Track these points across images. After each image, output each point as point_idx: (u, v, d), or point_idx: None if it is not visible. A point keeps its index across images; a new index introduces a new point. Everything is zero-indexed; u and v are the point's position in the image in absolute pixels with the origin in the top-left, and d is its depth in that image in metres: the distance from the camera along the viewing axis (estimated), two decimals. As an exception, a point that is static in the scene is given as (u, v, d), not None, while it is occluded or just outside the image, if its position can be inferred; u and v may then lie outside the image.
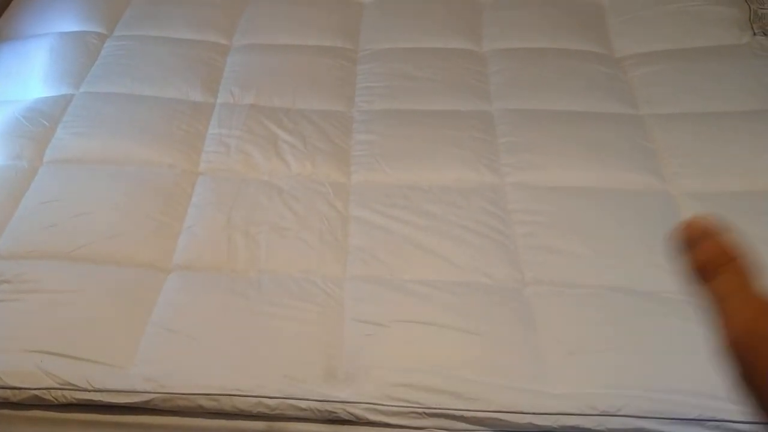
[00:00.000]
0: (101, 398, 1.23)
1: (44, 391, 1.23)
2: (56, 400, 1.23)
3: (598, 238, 1.46)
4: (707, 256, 0.34)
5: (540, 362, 1.26)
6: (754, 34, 1.92)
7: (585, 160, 1.63)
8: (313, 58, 2.00)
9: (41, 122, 1.77)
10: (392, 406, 1.22)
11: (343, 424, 1.23)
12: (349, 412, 1.21)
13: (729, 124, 1.69)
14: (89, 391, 1.23)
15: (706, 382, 1.20)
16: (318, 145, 1.72)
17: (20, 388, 1.23)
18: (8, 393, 1.23)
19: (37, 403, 1.24)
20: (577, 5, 2.14)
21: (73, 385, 1.23)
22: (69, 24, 2.12)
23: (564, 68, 1.90)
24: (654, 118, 1.74)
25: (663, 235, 1.42)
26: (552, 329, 1.31)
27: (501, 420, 1.20)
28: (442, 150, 1.69)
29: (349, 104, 1.86)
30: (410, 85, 1.90)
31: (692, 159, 1.62)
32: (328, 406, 1.22)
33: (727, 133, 1.67)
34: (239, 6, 2.22)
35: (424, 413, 1.21)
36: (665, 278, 1.37)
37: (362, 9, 2.20)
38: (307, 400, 1.22)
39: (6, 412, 1.25)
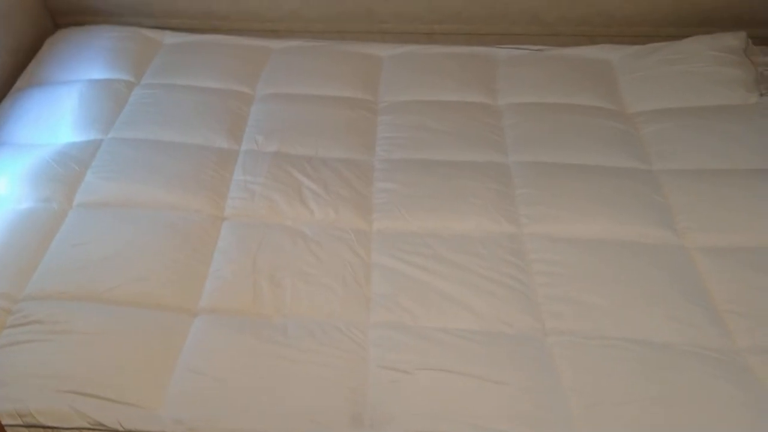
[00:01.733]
0: (132, 439, 1.25)
1: (76, 431, 1.25)
2: (87, 440, 1.25)
3: (615, 289, 1.50)
4: None
5: (563, 412, 1.29)
6: (761, 94, 2.00)
7: (600, 213, 1.68)
8: (334, 108, 2.07)
9: (71, 166, 1.82)
10: (418, 452, 1.24)
11: (369, 469, 1.25)
12: (375, 458, 1.23)
13: (738, 181, 1.74)
14: (120, 431, 1.25)
15: (726, 433, 1.23)
16: (340, 192, 1.77)
17: (53, 428, 1.25)
18: (40, 432, 1.26)
19: (68, 442, 1.26)
20: (587, 63, 2.22)
21: (105, 425, 1.25)
22: (98, 72, 2.19)
23: (577, 123, 1.96)
24: (666, 174, 1.79)
25: (679, 288, 1.48)
26: (573, 380, 1.34)
27: (525, 468, 1.22)
28: (462, 199, 1.74)
29: (370, 153, 1.92)
30: (428, 137, 1.96)
31: (704, 214, 1.67)
32: (355, 452, 1.24)
33: (737, 190, 1.72)
34: (262, 58, 2.30)
35: (449, 460, 1.23)
36: (683, 331, 1.42)
37: (381, 62, 2.28)
38: (334, 444, 1.24)
39: (37, 451, 1.27)
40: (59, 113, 2.02)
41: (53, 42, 2.37)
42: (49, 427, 1.25)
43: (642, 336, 1.41)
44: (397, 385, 1.34)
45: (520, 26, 2.45)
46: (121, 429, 1.25)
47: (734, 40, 2.16)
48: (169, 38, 2.39)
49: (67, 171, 1.81)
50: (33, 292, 1.50)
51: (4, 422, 1.23)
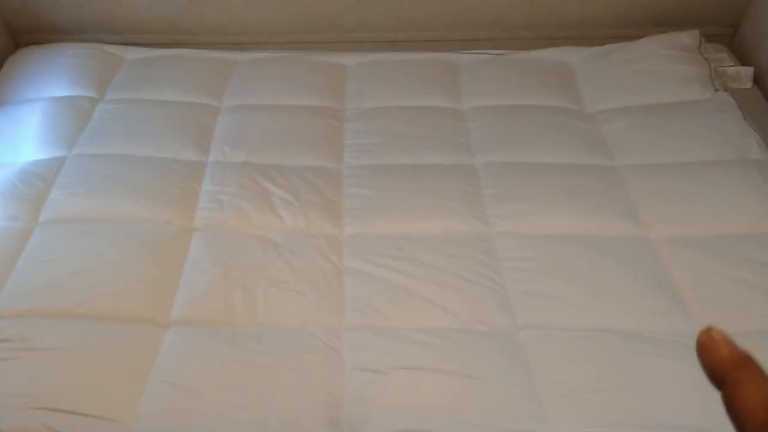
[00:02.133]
0: (107, 454, 1.23)
1: (49, 448, 1.23)
2: (61, 457, 1.23)
3: (584, 282, 1.53)
4: (718, 360, 0.36)
5: (537, 404, 1.31)
6: (716, 90, 2.06)
7: (567, 209, 1.71)
8: (301, 117, 2.08)
9: (36, 184, 1.80)
10: (396, 451, 1.24)
11: (348, 471, 1.25)
12: (354, 459, 1.24)
13: (697, 173, 1.80)
14: (95, 446, 1.23)
15: (699, 416, 1.26)
16: (311, 199, 1.78)
17: (25, 446, 1.23)
18: (12, 451, 1.23)
19: (40, 461, 1.24)
20: (548, 65, 2.27)
21: (79, 441, 1.23)
22: (61, 89, 2.17)
23: (540, 123, 2.00)
24: (628, 169, 1.84)
25: (645, 279, 1.51)
26: (546, 371, 1.36)
27: (502, 461, 1.23)
28: (431, 202, 1.76)
29: (339, 160, 1.93)
30: (396, 142, 1.98)
31: (666, 206, 1.72)
32: (334, 455, 1.24)
33: (697, 182, 1.77)
34: (227, 70, 2.30)
35: (428, 458, 1.24)
36: (649, 319, 1.45)
37: (346, 71, 2.30)
38: (313, 448, 1.24)
39: (9, 471, 1.24)
40: (22, 132, 2.00)
41: (14, 61, 2.34)
42: (21, 446, 1.23)
43: (611, 326, 1.44)
44: (373, 386, 1.34)
45: (482, 32, 2.49)
46: (95, 444, 1.24)
47: (688, 38, 2.23)
48: (132, 53, 2.38)
49: (31, 189, 1.79)
50: (0, 310, 1.48)
51: (-26, 443, 1.21)
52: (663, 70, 2.13)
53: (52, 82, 2.21)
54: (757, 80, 2.15)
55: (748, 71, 2.14)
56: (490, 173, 1.85)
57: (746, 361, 0.36)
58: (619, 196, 1.75)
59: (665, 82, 2.09)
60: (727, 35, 2.43)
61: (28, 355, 1.37)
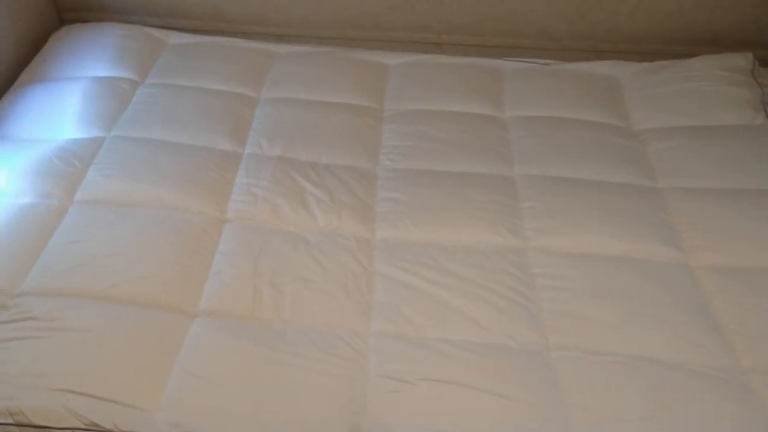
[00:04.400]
0: (126, 441, 1.22)
1: (69, 431, 1.22)
2: (80, 441, 1.23)
3: (620, 306, 1.49)
4: None
5: (565, 428, 1.27)
6: (767, 115, 2.00)
7: (606, 229, 1.67)
8: (339, 115, 2.05)
9: (73, 163, 1.80)
10: (417, 465, 1.22)
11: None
12: (373, 470, 1.21)
13: (744, 201, 1.74)
14: (115, 433, 1.22)
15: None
16: (344, 199, 1.75)
17: (45, 427, 1.22)
18: (32, 431, 1.23)
19: (60, 442, 1.23)
20: (594, 78, 2.22)
21: (99, 426, 1.23)
22: (103, 69, 2.18)
23: (584, 138, 1.96)
24: (672, 192, 1.78)
25: (683, 307, 1.46)
26: (578, 396, 1.32)
27: (526, 484, 1.20)
28: (466, 211, 1.72)
29: (375, 161, 1.91)
30: (434, 146, 1.94)
31: (709, 233, 1.66)
32: (354, 463, 1.21)
33: (743, 210, 1.71)
34: (267, 61, 2.29)
35: (449, 474, 1.21)
36: (688, 350, 1.41)
37: (388, 71, 2.27)
38: (332, 454, 1.22)
39: (27, 451, 1.24)
40: (62, 109, 2.01)
41: (58, 38, 2.35)
42: (41, 427, 1.22)
43: (646, 353, 1.39)
44: (398, 396, 1.32)
45: (528, 39, 2.45)
46: (116, 430, 1.22)
47: (741, 60, 2.17)
48: (175, 38, 2.38)
49: (68, 167, 1.79)
50: (30, 288, 1.48)
51: (-5, 420, 1.21)
52: (714, 91, 2.07)
53: (94, 61, 2.22)
54: (810, 108, 2.08)
55: (802, 98, 2.07)
56: (528, 186, 1.81)
57: None
58: (662, 219, 1.70)
59: (715, 104, 2.04)
60: (782, 60, 2.36)
61: (53, 335, 1.37)
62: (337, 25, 2.49)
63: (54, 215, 1.66)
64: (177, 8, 2.48)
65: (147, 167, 1.81)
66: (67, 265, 1.53)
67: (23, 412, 1.23)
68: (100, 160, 1.82)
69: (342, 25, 2.49)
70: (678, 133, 1.96)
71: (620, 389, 1.32)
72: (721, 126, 1.97)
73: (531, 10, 2.38)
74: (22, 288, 1.48)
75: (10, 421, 1.23)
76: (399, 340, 1.43)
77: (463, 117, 2.06)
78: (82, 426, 1.22)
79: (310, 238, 1.65)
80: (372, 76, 2.23)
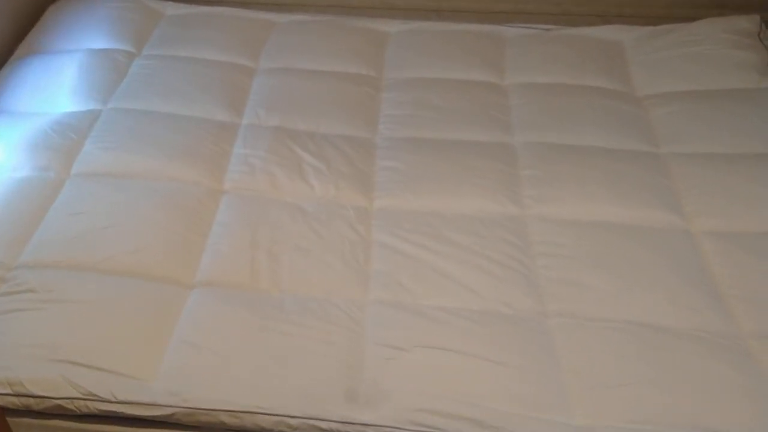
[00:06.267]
0: (124, 410, 1.24)
1: (67, 400, 1.24)
2: (78, 410, 1.24)
3: (618, 272, 1.47)
4: None
5: (561, 394, 1.27)
6: (774, 78, 1.96)
7: (606, 196, 1.65)
8: (338, 83, 2.03)
9: (69, 135, 1.80)
10: (412, 430, 1.22)
11: (363, 446, 1.23)
12: (369, 436, 1.22)
13: (747, 165, 1.71)
14: (112, 402, 1.24)
15: (725, 418, 1.21)
16: (342, 169, 1.74)
17: (43, 397, 1.24)
18: (31, 401, 1.24)
19: (58, 412, 1.25)
20: (597, 43, 2.18)
21: (97, 396, 1.23)
22: (99, 41, 2.16)
23: (585, 104, 1.93)
24: (674, 157, 1.76)
25: (682, 272, 1.45)
26: (573, 361, 1.32)
27: (521, 449, 1.20)
28: (465, 180, 1.71)
29: (373, 131, 1.89)
30: (433, 115, 1.92)
31: (711, 198, 1.64)
32: (350, 429, 1.22)
33: (745, 175, 1.68)
34: (265, 31, 2.27)
35: (444, 439, 1.21)
36: (685, 315, 1.40)
37: (387, 38, 2.24)
38: (329, 420, 1.23)
39: (27, 420, 1.26)
40: (59, 82, 1.99)
41: (55, 10, 2.33)
42: (39, 397, 1.23)
43: (643, 319, 1.39)
44: (394, 362, 1.32)
45: (530, 5, 2.41)
46: (113, 400, 1.23)
47: (747, 22, 2.12)
48: (171, 9, 2.36)
49: (65, 140, 1.78)
50: (27, 260, 1.48)
51: (-6, 391, 1.22)
52: (719, 55, 2.03)
53: (91, 33, 2.20)
54: (818, 71, 2.04)
55: (809, 61, 2.03)
56: (528, 153, 1.79)
57: None
58: (663, 185, 1.68)
59: (720, 68, 2.00)
60: (790, 22, 2.30)
61: (51, 306, 1.37)
62: (336, -7, 2.45)
63: (51, 188, 1.66)
64: (173, -21, 2.45)
65: (144, 139, 1.80)
66: (64, 238, 1.53)
67: (22, 383, 1.24)
68: (96, 133, 1.82)
69: (341, -8, 2.45)
70: (681, 98, 1.92)
71: (616, 354, 1.32)
72: (726, 90, 1.93)
73: (533, -26, 2.34)
74: (19, 260, 1.48)
75: (9, 391, 1.24)
76: (395, 308, 1.42)
77: (463, 84, 2.04)
78: (80, 396, 1.23)
79: (307, 207, 1.64)
80: (371, 45, 2.20)
